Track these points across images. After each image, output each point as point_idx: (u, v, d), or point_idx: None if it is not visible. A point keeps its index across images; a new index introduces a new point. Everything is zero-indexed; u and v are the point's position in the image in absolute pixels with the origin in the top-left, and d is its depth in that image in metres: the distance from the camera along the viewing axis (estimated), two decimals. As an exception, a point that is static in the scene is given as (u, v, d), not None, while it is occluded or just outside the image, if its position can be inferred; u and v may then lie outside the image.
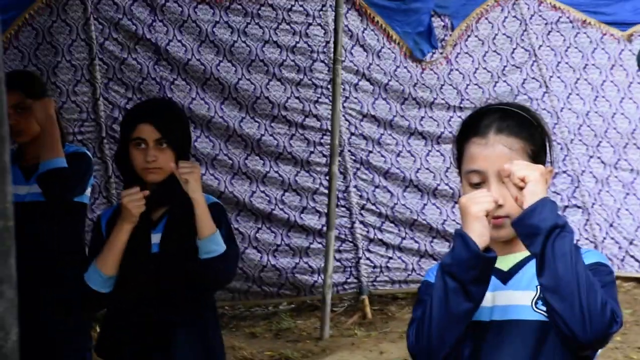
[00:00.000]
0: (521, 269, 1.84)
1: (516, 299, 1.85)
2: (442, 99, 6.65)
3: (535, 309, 1.76)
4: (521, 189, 1.66)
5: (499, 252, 1.74)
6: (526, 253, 1.75)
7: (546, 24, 6.81)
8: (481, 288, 1.72)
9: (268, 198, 5.99)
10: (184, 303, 2.97)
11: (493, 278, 1.77)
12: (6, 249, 0.87)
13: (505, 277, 1.84)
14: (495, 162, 1.75)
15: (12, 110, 3.23)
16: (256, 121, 6.06)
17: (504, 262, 1.83)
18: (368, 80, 6.43)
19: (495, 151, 1.79)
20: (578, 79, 6.80)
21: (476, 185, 1.79)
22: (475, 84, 6.66)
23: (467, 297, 1.71)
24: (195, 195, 2.90)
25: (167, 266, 2.91)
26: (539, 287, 1.69)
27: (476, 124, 1.85)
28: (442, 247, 6.31)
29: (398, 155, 6.45)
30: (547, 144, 1.90)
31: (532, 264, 1.70)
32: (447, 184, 6.55)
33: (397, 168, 6.48)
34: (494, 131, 1.80)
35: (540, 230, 1.63)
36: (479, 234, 1.66)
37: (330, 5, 6.22)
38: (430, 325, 1.75)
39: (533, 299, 1.78)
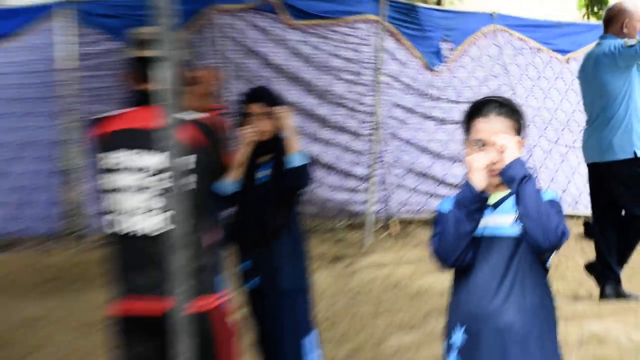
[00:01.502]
0: (505, 201, 2.45)
1: (501, 220, 2.46)
2: (445, 96, 8.82)
3: (513, 226, 2.40)
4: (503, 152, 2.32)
5: (492, 191, 2.42)
6: (508, 191, 2.40)
7: (514, 49, 9.01)
8: (479, 215, 2.38)
9: (335, 155, 8.19)
10: (283, 210, 3.96)
11: (488, 208, 2.43)
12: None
13: (495, 206, 2.46)
14: (493, 134, 2.39)
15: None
16: (326, 106, 8.31)
17: (495, 197, 2.45)
18: (399, 81, 8.58)
19: (494, 127, 2.43)
20: (534, 86, 9.04)
21: (479, 149, 2.43)
22: (467, 87, 8.83)
23: (470, 221, 2.37)
24: (285, 122, 3.94)
25: (272, 187, 3.91)
26: (516, 213, 2.34)
27: (481, 108, 2.51)
28: (445, 192, 8.41)
29: (417, 131, 8.75)
30: (523, 125, 2.57)
31: (512, 198, 2.36)
32: (449, 151, 8.85)
33: (416, 139, 8.78)
34: (494, 114, 2.46)
35: (515, 179, 2.28)
36: (479, 181, 2.32)
37: (375, 33, 8.34)
38: (447, 239, 2.41)
39: (513, 220, 2.40)
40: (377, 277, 7.59)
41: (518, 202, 2.34)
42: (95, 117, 3.13)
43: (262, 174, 3.98)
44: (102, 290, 5.30)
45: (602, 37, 5.91)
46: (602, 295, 5.82)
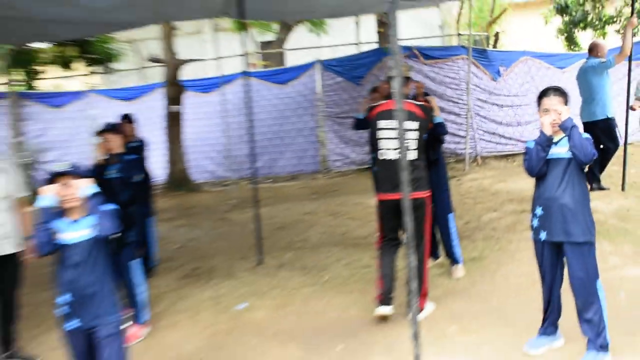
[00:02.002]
0: (562, 140, 4.11)
1: (560, 150, 4.13)
2: (501, 94, 13.45)
3: (567, 152, 4.09)
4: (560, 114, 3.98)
5: (555, 135, 4.12)
6: (563, 135, 4.03)
7: (535, 68, 13.42)
8: (549, 148, 4.13)
9: (449, 125, 10.46)
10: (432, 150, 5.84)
11: (553, 144, 4.11)
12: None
13: (556, 143, 4.11)
14: (553, 105, 4.10)
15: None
16: (445, 101, 13.07)
17: (556, 138, 4.12)
18: (478, 87, 13.18)
19: (553, 101, 4.12)
20: (546, 86, 13.67)
21: (546, 114, 4.12)
22: (513, 89, 13.43)
23: (544, 151, 4.14)
24: (434, 104, 5.78)
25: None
26: (568, 145, 4.04)
27: (545, 92, 4.23)
28: (504, 141, 13.43)
29: (488, 111, 13.39)
30: (567, 100, 4.19)
31: (566, 138, 4.04)
32: (504, 120, 13.42)
33: (488, 115, 13.45)
34: (552, 94, 4.18)
35: (567, 127, 3.95)
36: (547, 130, 4.07)
37: (466, 64, 12.94)
38: (532, 161, 4.24)
39: (567, 149, 4.07)
40: (473, 185, 11.33)
41: (569, 139, 4.03)
42: (371, 105, 5.71)
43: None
44: (341, 197, 11.26)
45: (587, 58, 9.29)
46: (591, 189, 8.56)
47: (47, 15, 7.80)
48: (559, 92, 4.22)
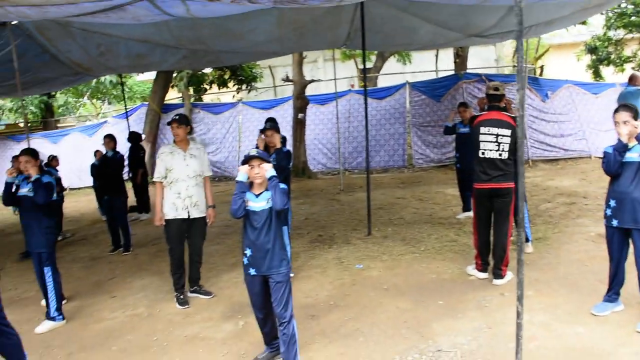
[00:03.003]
0: (635, 147, 3.99)
1: (633, 154, 4.00)
2: (548, 112, 13.33)
3: (638, 156, 3.95)
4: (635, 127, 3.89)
5: (630, 142, 3.97)
6: (636, 143, 3.94)
7: (576, 93, 13.38)
8: (624, 153, 3.98)
9: None
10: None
11: (627, 150, 3.96)
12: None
13: (630, 149, 4.00)
14: (623, 118, 3.96)
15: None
16: None
17: (630, 145, 3.99)
18: (531, 106, 12.98)
19: (624, 115, 3.98)
20: (584, 107, 13.46)
21: (619, 126, 3.98)
22: (558, 108, 13.37)
23: (620, 156, 4.00)
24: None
25: None
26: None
27: (618, 109, 4.04)
28: (542, 146, 13.69)
29: (538, 125, 13.18)
30: (637, 116, 3.93)
31: (638, 145, 3.96)
32: (548, 132, 13.41)
33: (538, 128, 13.25)
34: (623, 110, 4.02)
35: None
36: (624, 139, 3.95)
37: (521, 89, 14.13)
38: (609, 163, 4.07)
39: (639, 154, 3.97)
40: (527, 182, 9.24)
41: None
42: (473, 115, 5.57)
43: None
44: (424, 187, 10.91)
45: (626, 86, 8.80)
46: None
47: (222, 47, 7.94)
48: (628, 107, 4.06)
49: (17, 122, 23.63)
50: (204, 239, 5.68)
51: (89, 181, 16.75)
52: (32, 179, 5.11)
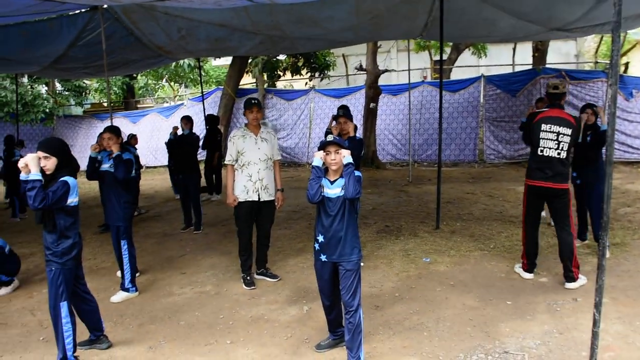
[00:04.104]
0: None
1: None
2: (632, 111, 12.70)
3: None
4: None
5: None
6: None
7: None
8: None
9: None
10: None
11: None
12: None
13: None
14: None
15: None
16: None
17: None
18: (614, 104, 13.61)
19: None
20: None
21: None
22: None
23: None
24: (601, 113, 6.03)
25: None
26: None
27: None
28: (628, 142, 13.46)
29: (620, 125, 12.41)
30: None
31: None
32: (628, 130, 12.69)
33: (620, 129, 12.41)
34: None
35: None
36: None
37: (605, 86, 12.66)
38: None
39: None
40: None
41: None
42: (535, 111, 5.47)
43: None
44: (495, 183, 10.53)
45: None
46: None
47: (298, 34, 7.94)
48: None
49: (101, 101, 24.79)
50: (272, 222, 5.67)
51: (164, 160, 17.44)
52: (114, 156, 5.30)
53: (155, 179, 15.16)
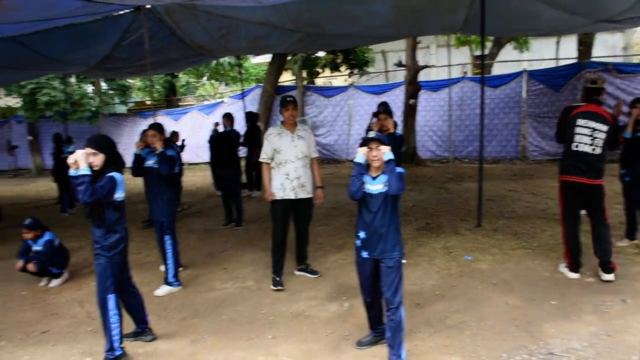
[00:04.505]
0: None
1: None
2: None
3: None
4: None
5: None
6: None
7: None
8: None
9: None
10: None
11: None
12: None
13: None
14: None
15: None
16: None
17: None
18: None
19: None
20: None
21: None
22: None
23: None
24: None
25: None
26: None
27: None
28: None
29: None
30: None
31: None
32: None
33: None
34: None
35: None
36: None
37: None
38: None
39: None
40: None
41: None
42: (570, 105, 5.19)
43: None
44: (538, 180, 10.28)
45: None
46: None
47: (337, 31, 7.93)
48: None
49: (144, 100, 25.34)
50: (310, 219, 5.65)
51: (205, 157, 17.74)
52: (157, 152, 5.40)
53: (197, 176, 15.42)
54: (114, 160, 3.91)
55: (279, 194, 5.33)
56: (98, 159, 3.80)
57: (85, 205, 3.75)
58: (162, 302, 5.27)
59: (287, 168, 5.30)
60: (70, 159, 3.66)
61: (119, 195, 3.86)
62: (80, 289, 5.86)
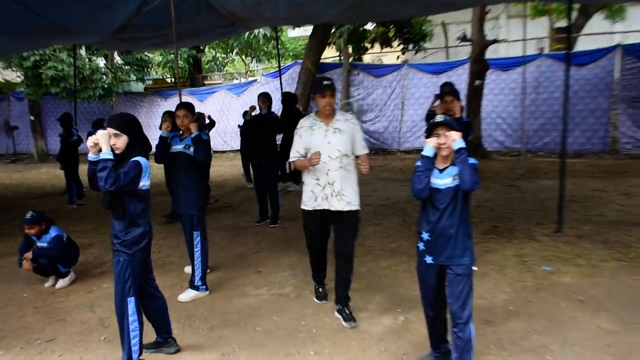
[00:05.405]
0: None
1: None
2: None
3: None
4: None
5: None
6: None
7: None
8: None
9: None
10: None
11: None
12: None
13: None
14: None
15: None
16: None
17: None
18: None
19: None
20: None
21: None
22: None
23: None
24: None
25: None
26: None
27: None
28: None
29: None
30: None
31: None
32: None
33: None
34: None
35: None
36: None
37: None
38: None
39: None
40: None
41: None
42: None
43: None
44: (632, 179, 9.99)
45: None
46: None
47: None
48: None
49: (164, 77, 25.72)
50: (354, 238, 4.89)
51: (234, 144, 17.95)
52: (193, 135, 5.43)
53: (224, 166, 15.58)
54: (138, 143, 3.93)
55: (310, 204, 4.84)
56: (121, 141, 3.84)
57: (105, 195, 3.78)
58: (187, 309, 5.32)
59: (318, 171, 4.74)
60: (90, 141, 3.70)
61: (144, 183, 3.89)
62: (91, 292, 5.97)
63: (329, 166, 4.70)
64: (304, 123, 4.92)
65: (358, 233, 4.96)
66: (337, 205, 4.72)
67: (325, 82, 4.73)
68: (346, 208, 4.73)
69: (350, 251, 4.88)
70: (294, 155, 4.91)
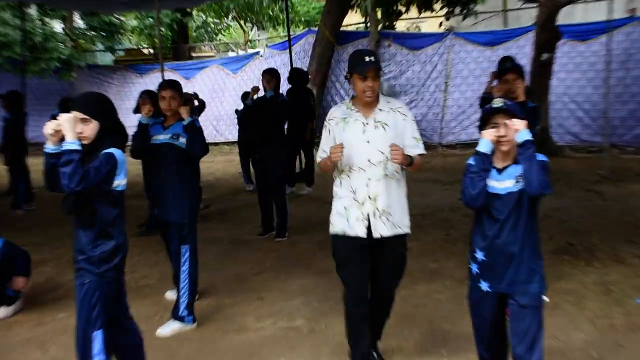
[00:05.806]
0: None
1: None
2: None
3: None
4: None
5: None
6: None
7: None
8: None
9: None
10: None
11: None
12: None
13: None
14: None
15: None
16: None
17: None
18: None
19: None
20: None
21: None
22: None
23: None
24: None
25: None
26: None
27: None
28: None
29: None
30: None
31: None
32: None
33: None
34: None
35: None
36: None
37: None
38: None
39: None
40: None
41: None
42: None
43: None
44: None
45: None
46: None
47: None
48: None
49: (139, 47, 25.76)
50: (401, 275, 4.63)
51: (230, 135, 17.89)
52: (186, 122, 5.42)
53: (217, 161, 15.60)
54: (112, 131, 3.91)
55: (340, 226, 4.44)
56: (89, 129, 3.80)
57: (66, 197, 3.75)
58: (169, 347, 5.26)
59: (354, 180, 4.36)
60: (48, 128, 3.66)
61: (119, 182, 3.86)
62: (42, 324, 5.90)
63: (369, 174, 4.30)
64: (335, 113, 4.50)
65: (406, 266, 4.67)
66: (381, 229, 4.31)
67: (368, 58, 4.21)
68: (392, 232, 4.34)
69: (393, 287, 4.64)
70: (320, 155, 4.50)
